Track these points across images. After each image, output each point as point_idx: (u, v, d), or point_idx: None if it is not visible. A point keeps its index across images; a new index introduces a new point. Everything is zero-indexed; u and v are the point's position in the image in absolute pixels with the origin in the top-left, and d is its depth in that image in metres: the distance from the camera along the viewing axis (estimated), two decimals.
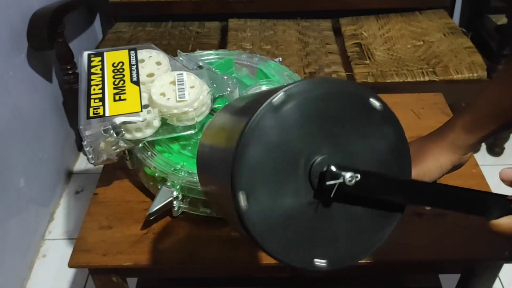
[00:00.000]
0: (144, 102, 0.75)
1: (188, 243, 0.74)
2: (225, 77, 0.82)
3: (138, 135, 0.74)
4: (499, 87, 0.57)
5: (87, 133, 0.71)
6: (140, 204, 0.81)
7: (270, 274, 0.88)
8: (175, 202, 0.75)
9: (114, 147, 0.73)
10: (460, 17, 1.78)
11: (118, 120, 0.72)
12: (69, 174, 1.57)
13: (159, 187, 0.76)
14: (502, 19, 1.59)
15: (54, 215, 1.44)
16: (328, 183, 0.36)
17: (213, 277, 0.96)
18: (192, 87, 0.77)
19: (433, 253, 0.72)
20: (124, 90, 0.76)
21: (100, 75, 0.79)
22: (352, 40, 1.54)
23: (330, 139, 0.38)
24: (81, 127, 0.71)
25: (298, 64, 1.43)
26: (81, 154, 1.65)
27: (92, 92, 0.76)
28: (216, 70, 0.85)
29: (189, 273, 0.82)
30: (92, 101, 0.74)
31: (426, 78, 1.35)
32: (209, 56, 0.93)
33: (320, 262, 0.39)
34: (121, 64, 0.80)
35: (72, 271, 1.28)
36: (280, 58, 0.95)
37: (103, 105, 0.74)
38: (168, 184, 0.74)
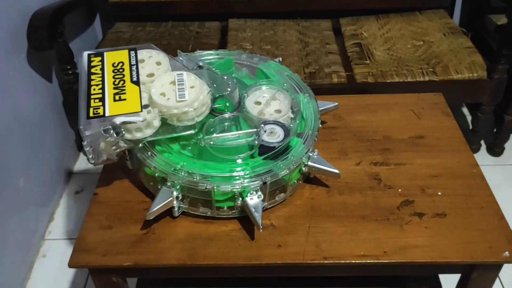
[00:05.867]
0: (144, 102, 0.75)
1: (188, 243, 0.74)
2: (225, 77, 0.82)
3: (138, 135, 0.74)
4: None
5: (87, 133, 0.71)
6: (140, 204, 0.81)
7: (270, 274, 0.88)
8: (175, 202, 0.75)
9: (114, 147, 0.73)
10: (460, 17, 1.78)
11: (118, 120, 0.72)
12: (69, 174, 1.57)
13: (159, 187, 0.76)
14: (502, 19, 1.59)
15: (54, 215, 1.44)
16: None
17: (213, 277, 0.96)
18: (192, 87, 0.77)
19: (433, 253, 0.72)
20: (124, 90, 0.76)
21: (100, 75, 0.79)
22: (352, 40, 1.54)
23: None
24: (81, 127, 0.71)
25: (298, 64, 1.43)
26: (81, 154, 1.65)
27: (92, 92, 0.76)
28: (216, 70, 0.85)
29: (189, 273, 0.82)
30: (92, 101, 0.74)
31: (426, 78, 1.35)
32: (209, 56, 0.93)
33: None
34: (121, 64, 0.80)
35: (72, 271, 1.28)
36: (280, 58, 0.96)
37: (103, 105, 0.74)
38: (168, 184, 0.74)
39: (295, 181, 0.80)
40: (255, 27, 1.63)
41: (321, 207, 0.79)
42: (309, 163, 0.79)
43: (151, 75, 0.80)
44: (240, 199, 0.74)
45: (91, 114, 0.72)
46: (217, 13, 1.67)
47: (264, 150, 0.76)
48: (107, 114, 0.72)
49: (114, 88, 0.76)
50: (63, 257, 1.31)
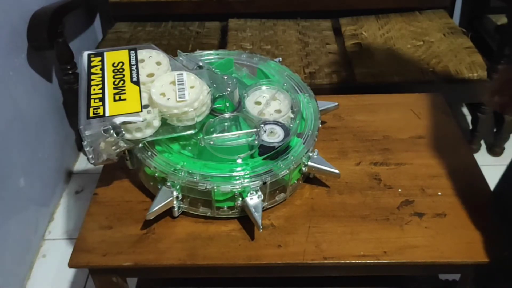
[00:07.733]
0: (144, 102, 0.75)
1: (188, 243, 0.74)
2: (225, 77, 0.82)
3: (138, 135, 0.74)
4: None
5: (87, 133, 0.71)
6: (140, 204, 0.81)
7: (270, 274, 0.88)
8: (175, 202, 0.75)
9: (114, 147, 0.73)
10: (460, 17, 1.78)
11: (118, 120, 0.72)
12: (69, 174, 1.57)
13: (159, 187, 0.76)
14: (502, 19, 1.59)
15: (54, 215, 1.44)
16: None
17: (213, 277, 0.96)
18: (192, 87, 0.77)
19: (433, 253, 0.72)
20: (124, 90, 0.76)
21: (100, 75, 0.79)
22: (352, 40, 1.54)
23: None
24: (81, 127, 0.71)
25: (298, 64, 1.43)
26: (81, 154, 1.65)
27: (92, 92, 0.76)
28: (216, 70, 0.85)
29: (189, 273, 0.82)
30: (92, 101, 0.74)
31: (426, 78, 1.35)
32: (209, 56, 0.93)
33: None
34: (121, 64, 0.80)
35: (72, 271, 1.28)
36: (280, 58, 0.96)
37: (103, 105, 0.74)
38: (168, 184, 0.74)
39: (295, 181, 0.80)
40: (255, 27, 1.62)
41: (321, 207, 0.79)
42: (309, 163, 0.79)
43: (151, 75, 0.80)
44: (240, 199, 0.74)
45: (91, 114, 0.72)
46: (217, 13, 1.67)
47: (264, 150, 0.76)
48: (107, 114, 0.72)
49: (114, 88, 0.76)
50: (63, 257, 1.31)
